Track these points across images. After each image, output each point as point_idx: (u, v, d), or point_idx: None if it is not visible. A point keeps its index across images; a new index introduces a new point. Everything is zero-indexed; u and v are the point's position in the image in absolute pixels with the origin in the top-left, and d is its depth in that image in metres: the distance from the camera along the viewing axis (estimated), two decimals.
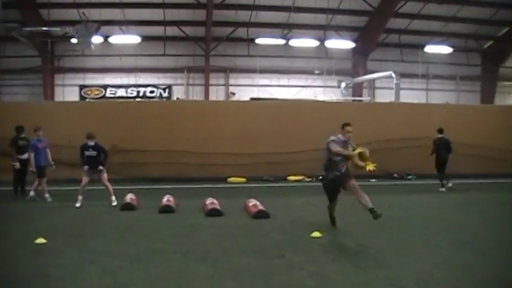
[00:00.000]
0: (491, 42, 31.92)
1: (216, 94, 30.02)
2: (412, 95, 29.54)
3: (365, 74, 29.19)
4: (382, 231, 8.35)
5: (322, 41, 28.32)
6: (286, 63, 30.03)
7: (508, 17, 28.86)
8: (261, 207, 10.22)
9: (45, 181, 12.33)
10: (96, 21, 22.56)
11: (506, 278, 6.18)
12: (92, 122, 14.67)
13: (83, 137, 11.58)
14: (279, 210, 10.54)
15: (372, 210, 7.38)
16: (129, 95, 29.31)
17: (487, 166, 17.41)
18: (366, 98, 30.25)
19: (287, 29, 28.63)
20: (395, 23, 28.62)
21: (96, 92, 29.26)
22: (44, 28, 24.01)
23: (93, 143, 11.38)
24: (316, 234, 8.19)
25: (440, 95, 31.09)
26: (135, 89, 29.58)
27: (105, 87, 29.36)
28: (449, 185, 14.36)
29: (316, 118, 16.97)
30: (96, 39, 23.33)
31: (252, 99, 25.67)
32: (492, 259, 6.93)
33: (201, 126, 16.61)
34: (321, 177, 8.62)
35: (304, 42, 28.45)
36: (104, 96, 29.08)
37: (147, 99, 28.46)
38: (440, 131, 14.54)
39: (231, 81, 30.33)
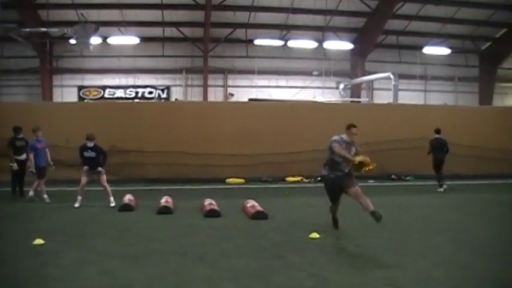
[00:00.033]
0: (489, 43, 32.02)
1: (215, 95, 30.03)
2: (410, 96, 29.61)
3: (363, 75, 29.25)
4: (381, 232, 8.35)
5: (320, 42, 28.37)
6: (285, 64, 30.06)
7: (506, 18, 28.96)
8: (259, 208, 10.22)
9: (44, 182, 12.31)
10: (94, 22, 22.58)
11: (506, 278, 6.19)
12: (90, 123, 14.68)
13: (82, 138, 11.59)
14: (278, 211, 10.54)
15: (373, 213, 7.30)
16: (128, 96, 29.31)
17: (486, 167, 17.44)
18: (364, 99, 30.30)
19: (285, 30, 28.68)
20: (393, 24, 28.67)
21: (95, 93, 29.26)
22: (42, 29, 24.04)
23: (92, 145, 11.39)
24: (314, 235, 8.19)
25: (439, 96, 31.15)
26: (133, 89, 29.60)
27: (104, 88, 29.37)
28: (442, 189, 14.34)
29: (315, 119, 17.01)
30: (95, 40, 23.35)
31: (251, 100, 25.67)
32: (492, 259, 6.94)
33: (200, 127, 16.62)
34: (321, 177, 8.46)
35: (303, 43, 28.52)
36: (102, 97, 29.09)
37: (145, 100, 28.44)
38: (437, 131, 14.60)
39: (230, 82, 30.35)
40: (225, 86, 30.34)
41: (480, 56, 32.68)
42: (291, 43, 28.53)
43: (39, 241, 7.58)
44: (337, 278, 6.08)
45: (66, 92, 28.96)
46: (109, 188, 11.52)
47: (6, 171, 12.81)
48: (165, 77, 29.94)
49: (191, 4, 26.00)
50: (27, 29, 23.22)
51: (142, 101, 28.03)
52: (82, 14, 23.77)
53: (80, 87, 29.26)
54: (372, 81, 29.68)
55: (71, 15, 25.37)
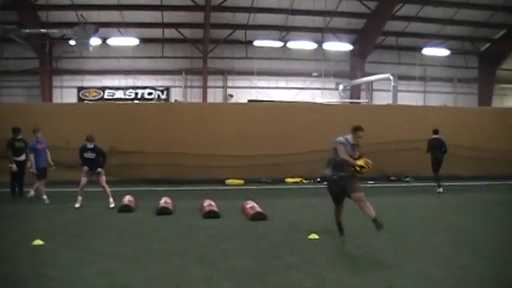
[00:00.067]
0: (488, 44, 32.06)
1: (214, 96, 30.04)
2: (410, 97, 29.65)
3: (363, 76, 29.27)
4: (381, 232, 8.25)
5: (320, 43, 28.39)
6: (284, 66, 30.08)
7: (505, 19, 28.99)
8: (258, 209, 10.23)
9: (44, 183, 12.31)
10: (94, 23, 22.59)
11: (506, 278, 6.21)
12: (90, 124, 14.67)
13: (81, 139, 11.61)
14: (277, 212, 10.56)
15: (375, 221, 7.09)
16: (127, 97, 29.34)
17: (485, 168, 17.44)
18: (363, 100, 30.33)
19: (285, 31, 28.70)
20: (392, 25, 28.71)
21: (94, 94, 29.28)
22: (42, 30, 24.07)
23: (92, 146, 11.41)
24: (313, 235, 8.21)
25: (438, 97, 31.16)
26: (133, 91, 29.62)
27: (103, 89, 29.38)
28: (441, 189, 14.35)
29: (314, 120, 17.01)
30: (94, 41, 23.38)
31: (250, 101, 25.69)
32: (491, 259, 6.96)
33: (199, 128, 16.60)
34: (324, 178, 8.15)
35: (302, 44, 28.54)
36: (102, 98, 29.10)
37: (145, 101, 28.45)
38: (436, 131, 14.68)
39: (229, 84, 30.38)
40: (224, 87, 30.36)
41: (479, 57, 32.72)
42: (291, 44, 28.56)
43: (38, 242, 7.59)
44: (336, 278, 6.10)
45: (65, 93, 28.98)
46: (108, 189, 11.53)
47: (6, 172, 12.82)
48: (164, 78, 29.95)
49: (191, 5, 26.01)
50: (27, 30, 23.26)
51: (141, 102, 28.02)
52: (82, 15, 23.77)
53: (80, 88, 29.28)
54: (371, 82, 29.69)
55: (70, 16, 25.37)
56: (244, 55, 29.93)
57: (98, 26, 22.09)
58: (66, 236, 8.25)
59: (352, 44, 29.17)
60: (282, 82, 30.72)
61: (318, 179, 16.60)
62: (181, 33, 28.39)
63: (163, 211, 10.50)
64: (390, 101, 25.03)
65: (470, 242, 7.99)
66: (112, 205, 11.29)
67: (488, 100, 31.68)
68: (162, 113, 17.12)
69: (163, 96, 29.84)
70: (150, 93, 29.76)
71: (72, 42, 22.88)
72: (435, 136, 14.59)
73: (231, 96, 30.01)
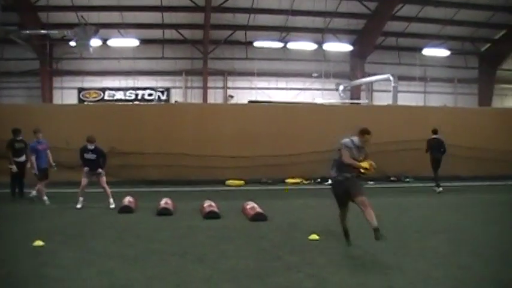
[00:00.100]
0: (488, 44, 32.05)
1: (215, 97, 30.05)
2: (410, 97, 29.66)
3: (363, 76, 29.28)
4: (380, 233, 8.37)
5: (320, 44, 28.40)
6: (284, 66, 30.09)
7: (505, 19, 28.99)
8: (258, 209, 10.24)
9: (44, 184, 12.32)
10: (94, 24, 22.59)
11: (506, 278, 6.22)
12: (90, 125, 14.69)
13: (81, 140, 11.63)
14: (277, 213, 10.57)
15: (375, 230, 6.93)
16: (128, 98, 29.34)
17: (486, 168, 17.44)
18: (363, 100, 30.33)
19: (285, 32, 28.70)
20: (393, 26, 28.72)
21: (95, 95, 29.29)
22: (42, 31, 24.05)
23: (93, 147, 11.44)
24: (314, 236, 8.21)
25: (438, 98, 31.16)
26: (133, 91, 29.62)
27: (104, 90, 29.39)
28: (441, 188, 14.44)
29: (314, 121, 17.02)
30: (95, 42, 23.37)
31: (250, 102, 25.70)
32: (491, 260, 6.96)
33: (200, 129, 16.61)
34: (329, 179, 8.00)
35: (302, 45, 28.54)
36: (102, 99, 29.10)
37: (145, 102, 28.47)
38: (435, 131, 14.78)
39: (229, 84, 30.38)
40: (224, 88, 30.36)
41: (480, 57, 32.71)
42: (291, 45, 28.57)
43: (39, 243, 7.59)
44: (337, 278, 6.10)
45: (66, 94, 28.99)
46: (109, 190, 11.55)
47: (6, 173, 12.84)
48: (164, 79, 29.96)
49: (191, 6, 26.02)
50: (28, 31, 23.26)
51: (142, 103, 28.04)
52: (82, 16, 23.76)
53: (80, 89, 29.29)
54: (371, 82, 29.69)
55: (71, 17, 25.38)
56: (245, 56, 29.94)
57: (98, 27, 22.08)
58: (66, 237, 8.26)
59: (352, 44, 29.18)
60: (282, 83, 30.72)
61: (319, 180, 16.64)
62: (181, 34, 28.40)
63: (164, 212, 10.51)
64: (390, 102, 25.03)
65: (470, 242, 8.00)
66: (112, 206, 11.31)
67: (488, 100, 31.67)
68: (162, 113, 17.13)
69: (163, 97, 29.85)
70: (150, 94, 29.77)
71: (72, 43, 22.88)
72: (434, 136, 14.70)
73: (231, 97, 30.02)
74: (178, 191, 14.16)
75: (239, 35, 28.95)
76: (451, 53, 30.19)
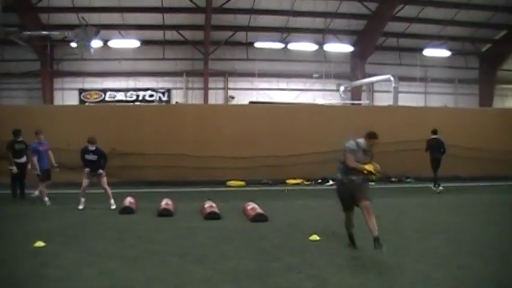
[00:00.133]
0: (489, 45, 32.05)
1: (215, 98, 30.08)
2: (411, 98, 29.65)
3: (363, 77, 29.27)
4: (380, 233, 8.28)
5: (320, 44, 28.41)
6: (285, 67, 30.09)
7: (506, 20, 28.99)
8: (259, 210, 10.24)
9: (45, 185, 12.35)
10: (95, 25, 22.63)
11: (506, 278, 6.23)
12: (91, 126, 14.70)
13: (82, 141, 11.65)
14: (278, 213, 10.57)
15: (376, 239, 6.88)
16: (129, 99, 29.36)
17: (486, 169, 17.42)
18: (364, 101, 30.33)
19: (286, 32, 28.72)
20: (393, 26, 28.72)
21: (96, 96, 29.31)
22: (43, 32, 24.07)
23: (94, 148, 11.46)
24: (314, 237, 8.21)
25: (439, 98, 31.15)
26: (134, 92, 29.65)
27: (105, 91, 29.41)
28: (441, 187, 14.53)
29: (315, 121, 17.02)
30: (96, 43, 23.40)
31: (251, 102, 25.71)
32: (491, 260, 6.97)
33: (200, 130, 16.61)
34: (335, 181, 7.76)
35: (303, 45, 28.55)
36: (103, 100, 29.12)
37: (146, 103, 28.48)
38: (434, 132, 14.89)
39: (230, 85, 30.39)
40: (225, 89, 30.38)
41: (480, 58, 32.71)
42: (291, 46, 28.57)
43: (39, 243, 7.60)
44: (337, 279, 6.11)
45: (67, 95, 29.02)
46: (109, 191, 11.56)
47: (7, 173, 12.85)
48: (165, 80, 29.98)
49: (192, 7, 26.03)
50: (28, 32, 23.28)
51: (143, 104, 28.05)
52: (83, 18, 23.79)
53: (81, 90, 29.31)
54: (372, 83, 29.69)
55: (71, 18, 25.41)
56: (245, 57, 29.95)
57: (99, 28, 22.11)
58: (66, 237, 8.27)
59: (353, 45, 29.18)
60: (282, 83, 30.71)
61: (319, 181, 16.65)
62: (182, 35, 28.41)
63: (164, 213, 10.51)
64: (391, 102, 25.02)
65: (470, 243, 8.00)
66: (113, 207, 11.32)
67: (489, 101, 31.65)
68: (163, 114, 17.13)
69: (164, 98, 29.85)
70: (151, 95, 29.78)
71: (73, 45, 22.91)
72: (434, 136, 14.81)
73: (232, 97, 30.02)
74: (179, 192, 14.16)
75: (240, 35, 28.97)
76: (452, 54, 30.19)
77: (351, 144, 7.29)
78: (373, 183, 15.59)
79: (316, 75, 30.09)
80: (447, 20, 28.23)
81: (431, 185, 14.89)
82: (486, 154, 17.42)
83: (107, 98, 29.31)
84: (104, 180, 11.57)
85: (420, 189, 15.15)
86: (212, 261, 6.88)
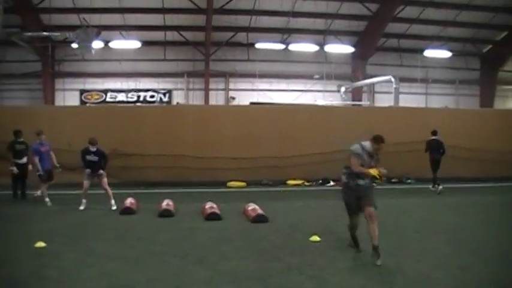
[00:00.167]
0: (490, 46, 32.04)
1: (216, 98, 30.10)
2: (412, 99, 29.64)
3: (364, 78, 29.25)
4: (381, 234, 8.27)
5: (321, 45, 28.43)
6: (286, 68, 30.10)
7: (507, 21, 28.98)
8: (260, 211, 10.25)
9: (46, 185, 12.37)
10: (96, 26, 22.68)
11: (506, 278, 6.24)
12: (92, 127, 14.71)
13: (83, 141, 11.66)
14: (278, 214, 10.57)
15: (375, 247, 6.82)
16: (130, 100, 29.37)
17: (486, 169, 17.39)
18: (365, 102, 30.32)
19: (286, 33, 28.74)
20: (394, 27, 28.72)
21: (97, 97, 29.35)
22: (44, 33, 24.10)
23: (95, 149, 11.48)
24: (315, 237, 8.22)
25: (440, 99, 31.11)
26: (135, 93, 29.67)
27: (106, 91, 29.44)
28: (439, 188, 14.57)
29: (316, 122, 17.02)
30: (97, 44, 23.45)
31: (252, 103, 25.72)
32: (491, 260, 6.98)
33: (201, 131, 16.61)
34: (341, 184, 7.48)
35: (304, 46, 28.57)
36: (104, 101, 29.16)
37: (147, 104, 28.50)
38: (434, 133, 14.97)
39: (231, 86, 30.41)
40: (226, 90, 30.40)
41: (481, 58, 32.69)
42: (292, 47, 28.59)
43: (40, 244, 7.62)
44: (337, 280, 6.12)
45: (68, 96, 29.05)
46: (110, 191, 11.57)
47: (8, 174, 12.86)
48: (166, 81, 30.01)
49: (192, 8, 26.06)
50: (30, 33, 23.31)
51: (144, 104, 28.07)
52: (84, 18, 23.83)
53: (82, 91, 29.35)
54: (373, 84, 29.68)
55: (72, 19, 25.46)
56: (246, 57, 29.95)
57: (100, 29, 22.18)
58: (67, 238, 8.28)
59: (354, 46, 29.19)
60: (283, 84, 30.73)
61: (320, 181, 16.65)
62: (183, 36, 28.44)
63: (165, 213, 10.52)
64: (392, 103, 25.01)
65: (470, 243, 8.02)
66: (114, 207, 11.33)
67: (490, 102, 31.61)
68: (164, 115, 17.14)
69: (165, 99, 29.87)
70: (152, 96, 29.81)
71: (74, 45, 22.94)
72: (434, 137, 14.91)
73: (233, 98, 30.03)
74: (180, 193, 14.17)
75: (241, 36, 28.98)
76: (453, 55, 30.19)
77: (356, 147, 7.12)
78: (374, 184, 15.63)
79: (316, 76, 30.11)
80: (448, 21, 28.23)
81: (433, 189, 14.88)
82: (486, 155, 17.40)
83: (107, 99, 29.34)
84: (105, 180, 11.59)
85: (421, 190, 15.15)
86: (213, 261, 6.89)
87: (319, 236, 8.27)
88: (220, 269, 6.54)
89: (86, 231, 8.96)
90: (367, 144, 7.15)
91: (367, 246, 7.43)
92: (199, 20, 26.83)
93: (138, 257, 7.07)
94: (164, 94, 29.96)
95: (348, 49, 29.01)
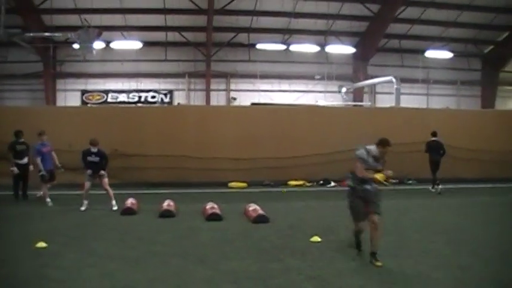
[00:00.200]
0: (491, 47, 32.00)
1: (217, 99, 30.10)
2: (413, 100, 29.55)
3: (365, 79, 29.24)
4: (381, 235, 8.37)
5: (322, 46, 28.42)
6: (287, 69, 30.09)
7: (508, 21, 28.94)
8: (260, 211, 10.26)
9: (47, 186, 12.40)
10: (97, 26, 22.67)
11: (506, 278, 6.24)
12: (93, 127, 14.75)
13: (84, 142, 11.67)
14: (279, 215, 10.58)
15: (373, 253, 6.81)
16: (131, 100, 29.39)
17: (486, 170, 17.38)
18: (366, 103, 30.30)
19: (288, 34, 28.75)
20: (395, 28, 28.71)
21: (98, 97, 29.37)
22: (46, 33, 24.14)
23: (96, 150, 11.49)
24: (316, 238, 8.23)
25: (441, 100, 31.07)
26: (136, 94, 29.68)
27: (107, 92, 29.46)
28: (439, 188, 14.68)
29: (317, 123, 17.02)
30: (98, 45, 23.46)
31: (253, 104, 25.73)
32: (491, 260, 6.98)
33: (202, 131, 16.63)
34: (348, 188, 7.26)
35: (305, 47, 28.55)
36: (105, 101, 29.17)
37: (148, 104, 28.53)
38: (434, 134, 15.04)
39: (232, 86, 30.41)
40: (227, 90, 30.40)
41: (482, 59, 32.65)
42: (293, 47, 28.58)
43: (41, 244, 7.63)
44: (338, 280, 6.12)
45: (69, 96, 29.07)
46: (111, 192, 11.59)
47: (9, 174, 12.87)
48: (167, 81, 30.03)
49: (194, 9, 26.07)
50: (31, 34, 23.33)
51: (145, 105, 28.10)
52: (85, 19, 23.87)
53: (83, 92, 29.37)
54: (374, 85, 29.69)
55: (74, 20, 25.48)
56: (247, 58, 29.96)
57: (101, 30, 22.17)
58: (68, 238, 8.30)
59: (355, 46, 29.18)
60: (284, 85, 30.72)
61: (321, 182, 16.65)
62: (184, 37, 28.46)
63: (166, 214, 10.54)
64: (393, 104, 25.00)
65: (470, 243, 8.03)
66: (115, 207, 11.34)
67: (491, 102, 31.58)
68: (165, 116, 17.16)
69: (166, 100, 29.88)
70: (153, 97, 29.83)
71: (75, 46, 22.95)
72: (433, 138, 14.97)
73: (234, 99, 30.03)
74: (181, 193, 14.18)
75: (242, 37, 28.99)
76: (454, 55, 30.14)
77: (360, 152, 6.96)
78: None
79: (318, 77, 30.10)
80: (449, 22, 28.21)
81: (432, 189, 14.93)
82: (487, 155, 17.40)
83: (109, 99, 29.36)
84: (106, 181, 11.61)
85: (421, 191, 15.16)
86: (213, 262, 6.90)
87: (320, 237, 8.27)
88: (221, 269, 6.55)
89: (86, 232, 8.97)
90: (372, 147, 7.00)
91: (366, 246, 7.45)
92: (201, 20, 26.85)
93: (139, 257, 7.08)
94: (165, 95, 29.97)
95: (349, 50, 29.00)
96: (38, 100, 28.09)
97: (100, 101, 29.23)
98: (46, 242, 7.70)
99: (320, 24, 28.10)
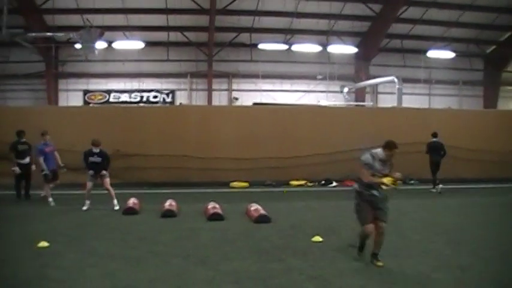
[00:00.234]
0: (493, 47, 31.94)
1: (219, 99, 30.10)
2: (415, 100, 29.49)
3: (367, 79, 29.21)
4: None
5: (324, 46, 28.38)
6: (289, 69, 30.08)
7: (510, 21, 28.86)
8: (262, 211, 10.27)
9: (50, 186, 12.44)
10: (99, 26, 22.67)
11: (506, 278, 6.24)
12: (95, 127, 14.79)
13: (86, 142, 11.70)
14: (281, 215, 10.59)
15: (374, 254, 6.81)
16: (133, 100, 29.41)
17: (487, 170, 17.37)
18: (368, 103, 30.28)
19: (289, 34, 28.74)
20: (397, 28, 28.67)
21: (100, 97, 29.40)
22: (48, 34, 24.18)
23: (98, 150, 11.52)
24: (317, 238, 8.24)
25: (443, 100, 31.03)
26: (138, 94, 29.70)
27: (109, 92, 29.48)
28: (439, 187, 14.77)
29: (319, 123, 17.04)
30: (100, 45, 23.47)
31: (255, 104, 25.74)
32: (491, 260, 6.99)
33: (204, 131, 16.65)
34: (355, 192, 7.07)
35: (307, 47, 28.51)
36: (107, 101, 29.18)
37: (150, 104, 28.55)
38: (434, 135, 15.09)
39: (234, 86, 30.41)
40: (229, 90, 30.40)
41: (484, 59, 32.60)
42: (295, 47, 28.56)
43: (43, 244, 7.65)
44: (339, 280, 6.13)
45: (71, 96, 29.10)
46: (113, 191, 11.61)
47: (12, 174, 12.91)
48: (169, 81, 30.04)
49: (195, 9, 26.09)
50: (33, 34, 23.37)
51: (147, 105, 28.12)
52: (87, 19, 23.88)
53: (85, 92, 29.39)
54: (376, 85, 29.65)
55: (76, 20, 25.54)
56: (249, 58, 29.95)
57: (103, 30, 22.17)
58: (69, 238, 8.33)
59: (357, 46, 29.16)
60: (286, 85, 30.71)
61: (323, 182, 16.66)
62: (186, 37, 28.47)
63: (168, 213, 10.56)
64: (395, 104, 24.98)
65: (470, 243, 8.04)
66: (116, 207, 11.37)
67: (493, 102, 31.53)
68: (167, 116, 17.19)
69: (168, 99, 29.89)
70: (155, 96, 29.84)
71: (77, 46, 22.95)
72: (434, 139, 15.04)
73: (236, 99, 30.04)
74: (182, 193, 14.20)
75: (244, 37, 28.98)
76: (456, 55, 30.09)
77: (366, 158, 6.81)
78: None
79: (319, 77, 30.08)
80: (451, 22, 28.16)
81: (432, 190, 14.99)
82: (488, 156, 17.38)
83: (111, 99, 29.37)
84: (107, 181, 11.64)
85: (423, 191, 15.16)
86: (215, 262, 6.91)
87: (321, 237, 8.29)
88: (222, 270, 6.56)
89: (88, 231, 9.00)
90: (378, 151, 6.87)
91: (369, 247, 7.46)
92: (203, 20, 26.86)
93: (140, 257, 7.10)
94: (167, 94, 29.99)
95: (351, 50, 28.96)
96: (40, 100, 28.15)
97: (102, 101, 29.26)
98: (48, 242, 7.73)
99: (322, 24, 28.09)
